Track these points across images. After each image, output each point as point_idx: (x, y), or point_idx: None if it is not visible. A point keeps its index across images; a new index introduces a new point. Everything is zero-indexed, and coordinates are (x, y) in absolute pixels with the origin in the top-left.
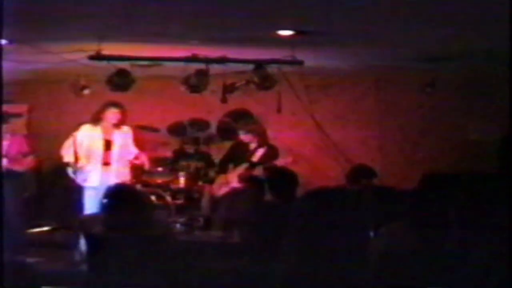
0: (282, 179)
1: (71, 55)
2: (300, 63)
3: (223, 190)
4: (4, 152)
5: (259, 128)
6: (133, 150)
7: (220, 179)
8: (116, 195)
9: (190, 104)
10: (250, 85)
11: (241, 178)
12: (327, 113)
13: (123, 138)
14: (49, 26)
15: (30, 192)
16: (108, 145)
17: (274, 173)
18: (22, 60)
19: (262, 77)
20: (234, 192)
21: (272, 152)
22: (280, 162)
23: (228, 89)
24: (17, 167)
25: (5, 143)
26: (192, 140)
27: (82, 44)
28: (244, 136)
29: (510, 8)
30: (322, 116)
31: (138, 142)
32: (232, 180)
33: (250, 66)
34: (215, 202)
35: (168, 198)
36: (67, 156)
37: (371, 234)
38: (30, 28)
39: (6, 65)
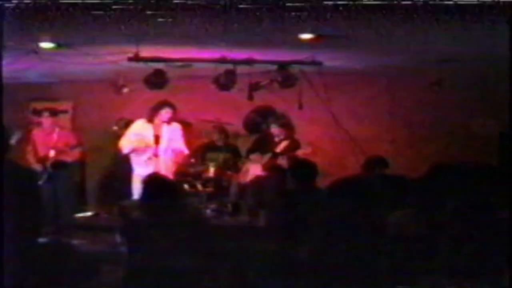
0: (304, 169)
1: (112, 57)
2: (319, 63)
3: (248, 178)
4: (52, 144)
5: (289, 123)
6: (178, 146)
7: (245, 167)
8: (151, 183)
9: (219, 101)
10: (273, 84)
11: (265, 167)
12: (344, 110)
13: (171, 133)
14: (92, 30)
15: (76, 180)
16: (157, 139)
17: (296, 163)
18: (68, 62)
19: (284, 76)
20: (258, 180)
21: (294, 145)
22: (300, 152)
23: (253, 88)
24: (65, 158)
25: (54, 136)
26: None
27: (121, 47)
28: (274, 129)
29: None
30: (339, 112)
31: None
32: (256, 168)
33: (274, 67)
34: (242, 188)
35: (199, 187)
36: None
37: (386, 218)
38: (74, 32)
39: (53, 66)
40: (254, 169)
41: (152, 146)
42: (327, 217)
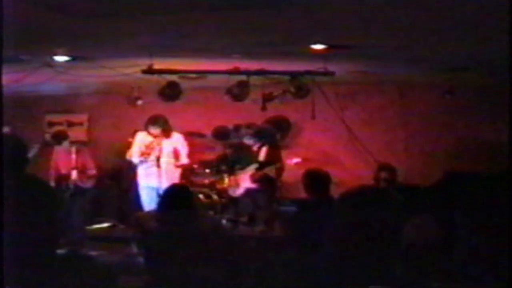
0: (317, 179)
1: (126, 69)
2: (332, 74)
3: (238, 192)
4: (73, 164)
5: (261, 130)
6: (180, 155)
7: (234, 180)
8: (171, 194)
9: (232, 112)
10: (286, 94)
11: (254, 179)
12: (356, 119)
13: (170, 145)
14: (106, 43)
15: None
16: (159, 150)
17: (310, 174)
18: (83, 75)
19: (297, 87)
20: (250, 192)
21: (273, 151)
22: (292, 162)
23: (267, 98)
24: (84, 182)
25: (73, 157)
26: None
27: (135, 60)
28: (248, 140)
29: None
30: (351, 121)
31: (187, 147)
32: (245, 180)
33: (286, 77)
34: (233, 202)
35: (215, 197)
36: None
37: (400, 227)
38: (89, 45)
39: (68, 79)
40: (243, 182)
41: (154, 155)
42: (340, 227)
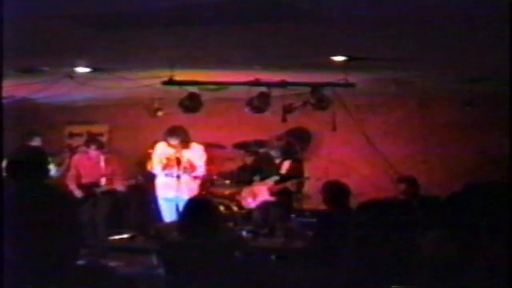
0: (337, 191)
1: (147, 81)
2: (352, 85)
3: (252, 203)
4: (102, 172)
5: (289, 143)
6: (198, 165)
7: (250, 191)
8: (193, 206)
9: (253, 123)
10: (307, 106)
11: (273, 191)
12: (377, 130)
13: (190, 156)
14: (127, 55)
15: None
16: (178, 161)
17: (330, 186)
18: (104, 86)
19: (318, 98)
20: (265, 204)
21: (297, 165)
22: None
23: (287, 110)
24: (113, 187)
25: (101, 164)
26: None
27: (156, 71)
28: (273, 151)
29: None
30: (372, 133)
31: (207, 158)
32: (263, 192)
33: (307, 89)
34: (251, 214)
35: (235, 208)
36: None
37: (420, 239)
38: (110, 57)
39: (90, 90)
40: (260, 193)
41: (175, 166)
42: (359, 239)
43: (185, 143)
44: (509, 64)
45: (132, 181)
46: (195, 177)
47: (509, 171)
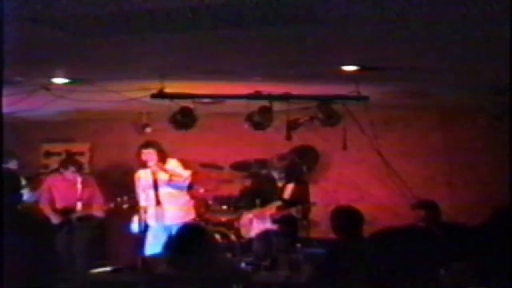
0: (348, 218)
1: (133, 93)
2: (365, 98)
3: (253, 231)
4: (78, 196)
5: (293, 162)
6: (179, 172)
7: (246, 218)
8: (184, 235)
9: (253, 141)
10: (314, 122)
11: (275, 219)
12: (393, 149)
13: (166, 174)
14: (111, 64)
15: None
16: (156, 184)
17: (341, 213)
18: (85, 99)
19: (326, 113)
20: (266, 234)
21: (302, 189)
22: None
23: (292, 126)
24: (91, 212)
25: (78, 187)
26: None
27: (144, 82)
28: (275, 172)
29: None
30: (387, 152)
31: (202, 180)
32: (261, 220)
33: (314, 102)
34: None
35: (233, 237)
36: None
37: (442, 271)
38: (91, 67)
39: (68, 104)
40: (258, 221)
41: (152, 194)
42: (374, 272)
43: (160, 156)
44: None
45: (111, 205)
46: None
47: None
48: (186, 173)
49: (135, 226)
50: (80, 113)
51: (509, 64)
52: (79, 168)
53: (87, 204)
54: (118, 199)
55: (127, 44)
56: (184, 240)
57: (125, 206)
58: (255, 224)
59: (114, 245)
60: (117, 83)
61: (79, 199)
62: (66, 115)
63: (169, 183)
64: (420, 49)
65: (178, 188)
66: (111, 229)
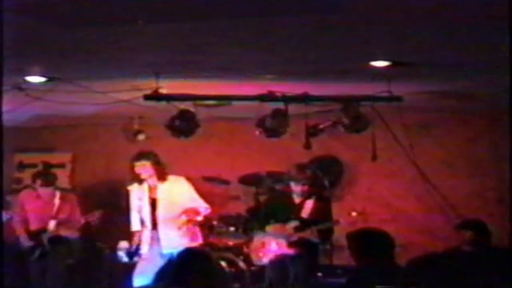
0: (373, 241)
1: (123, 94)
2: (399, 99)
3: (267, 256)
4: (53, 213)
5: (315, 175)
6: (185, 204)
7: (259, 241)
8: (184, 263)
9: (266, 150)
10: (337, 127)
11: (292, 242)
12: (432, 159)
13: (168, 192)
14: (97, 60)
15: (75, 259)
16: (153, 204)
17: (362, 235)
18: (65, 101)
19: (352, 117)
20: (282, 259)
21: (323, 205)
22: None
23: (311, 132)
24: (67, 233)
25: (54, 205)
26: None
27: (136, 82)
28: (295, 186)
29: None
30: (426, 163)
31: (206, 197)
32: (276, 243)
33: (338, 105)
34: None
35: (241, 264)
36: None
37: None
38: (75, 63)
39: (46, 106)
40: (272, 245)
41: (148, 215)
42: None
43: (158, 171)
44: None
45: (82, 221)
46: (190, 223)
47: None
48: (204, 205)
49: (123, 253)
50: (60, 117)
51: None
52: (49, 183)
53: (62, 223)
54: (88, 215)
55: (116, 36)
56: (183, 267)
57: (93, 221)
58: (269, 248)
59: (97, 275)
60: (104, 82)
61: (54, 218)
62: (43, 120)
63: (171, 204)
64: (465, 42)
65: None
66: (95, 256)
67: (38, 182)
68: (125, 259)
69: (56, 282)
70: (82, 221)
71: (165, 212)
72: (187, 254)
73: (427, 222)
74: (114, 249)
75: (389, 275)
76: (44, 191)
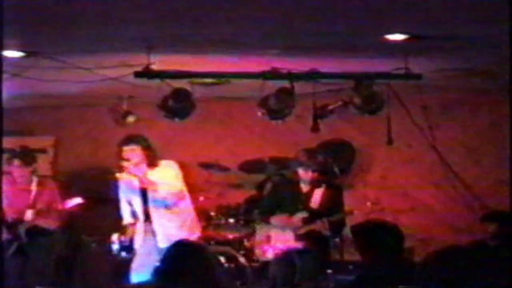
0: (381, 237)
1: (111, 71)
2: (417, 77)
3: (270, 251)
4: (30, 202)
5: (325, 161)
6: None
7: (263, 233)
8: (176, 257)
9: (269, 134)
10: (349, 108)
11: (299, 235)
12: (454, 144)
13: (157, 180)
14: (81, 33)
15: (59, 253)
16: (144, 194)
17: (368, 229)
18: (47, 79)
19: (365, 96)
20: (289, 254)
21: (333, 193)
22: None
23: (320, 114)
24: (46, 223)
25: (30, 192)
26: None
27: (125, 57)
28: (303, 172)
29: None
30: (447, 148)
31: (202, 185)
32: (282, 236)
33: (349, 83)
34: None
35: (242, 259)
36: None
37: None
38: (55, 36)
39: (24, 85)
40: (278, 237)
41: (140, 207)
42: None
43: (149, 153)
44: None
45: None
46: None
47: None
48: (176, 186)
49: (115, 247)
50: (40, 97)
51: None
52: (28, 163)
53: (41, 214)
54: (68, 201)
55: (103, 6)
56: (173, 262)
57: (73, 209)
58: (274, 242)
59: (86, 271)
60: (90, 58)
61: (31, 207)
62: (22, 100)
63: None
64: (492, 14)
65: (163, 206)
66: (83, 250)
67: (15, 162)
68: (117, 253)
69: (36, 280)
70: (61, 208)
71: (154, 201)
72: (178, 248)
73: (448, 213)
74: (102, 243)
75: (399, 271)
76: (20, 175)
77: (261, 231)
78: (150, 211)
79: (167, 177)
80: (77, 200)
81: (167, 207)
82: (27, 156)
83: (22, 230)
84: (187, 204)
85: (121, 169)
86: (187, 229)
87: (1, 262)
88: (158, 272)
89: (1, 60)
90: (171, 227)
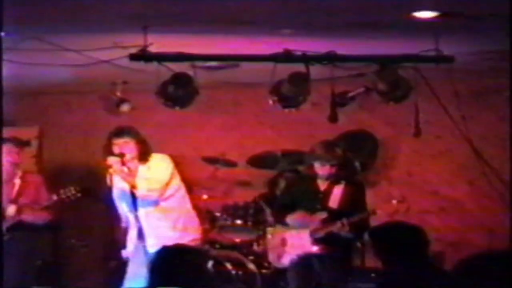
0: (402, 241)
1: (103, 53)
2: (450, 60)
3: (285, 257)
4: (13, 197)
5: (345, 155)
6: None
7: (278, 235)
8: (165, 263)
9: (282, 124)
10: (371, 95)
11: (317, 238)
12: (491, 135)
13: (149, 174)
14: (71, 11)
15: (43, 257)
16: (133, 193)
17: (387, 233)
18: (30, 63)
19: (390, 82)
20: (306, 258)
21: (354, 190)
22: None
23: (339, 101)
24: (31, 219)
25: (14, 186)
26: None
27: (120, 37)
28: (320, 168)
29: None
30: (482, 140)
31: (206, 182)
32: (298, 238)
33: (372, 66)
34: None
35: (251, 266)
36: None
37: None
38: (39, 13)
39: (5, 69)
40: (295, 241)
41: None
42: None
43: (142, 147)
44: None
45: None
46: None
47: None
48: (161, 181)
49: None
50: (24, 83)
51: None
52: (20, 144)
53: (24, 210)
54: (61, 190)
55: None
56: (158, 272)
57: (67, 199)
58: (289, 245)
59: (74, 280)
60: (80, 39)
61: (13, 202)
62: (3, 86)
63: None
64: None
65: (151, 204)
66: (70, 252)
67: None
68: (108, 260)
69: (18, 282)
70: (54, 198)
71: (144, 199)
72: (163, 254)
73: (482, 213)
74: (92, 248)
75: (425, 280)
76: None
77: (274, 234)
78: (139, 212)
79: (156, 172)
80: (72, 189)
81: (155, 204)
82: (15, 140)
83: (3, 226)
84: (179, 201)
85: (109, 165)
86: (180, 230)
87: (1, 262)
88: (147, 282)
89: (1, 43)
90: (161, 226)
